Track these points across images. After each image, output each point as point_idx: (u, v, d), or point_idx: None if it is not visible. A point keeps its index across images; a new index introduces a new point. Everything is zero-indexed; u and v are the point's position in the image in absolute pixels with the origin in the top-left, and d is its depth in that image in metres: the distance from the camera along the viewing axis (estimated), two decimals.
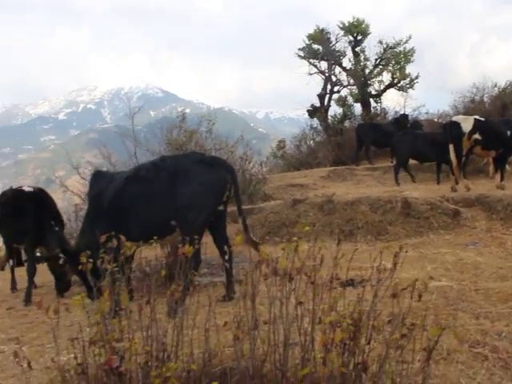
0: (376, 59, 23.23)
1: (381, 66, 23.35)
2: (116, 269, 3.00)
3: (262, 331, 2.82)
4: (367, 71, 23.39)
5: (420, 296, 2.52)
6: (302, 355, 2.61)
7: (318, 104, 23.02)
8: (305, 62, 23.75)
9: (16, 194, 7.00)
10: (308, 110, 22.93)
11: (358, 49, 23.88)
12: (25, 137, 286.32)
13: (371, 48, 23.19)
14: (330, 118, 22.71)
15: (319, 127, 22.43)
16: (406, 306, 2.62)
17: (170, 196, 5.27)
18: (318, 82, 23.54)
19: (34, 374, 3.64)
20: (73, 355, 3.17)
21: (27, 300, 6.31)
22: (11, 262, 7.38)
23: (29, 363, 2.85)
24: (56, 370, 3.25)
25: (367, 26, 23.34)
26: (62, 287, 6.50)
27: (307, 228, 3.68)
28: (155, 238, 4.18)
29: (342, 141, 19.94)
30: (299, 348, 2.74)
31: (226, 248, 5.26)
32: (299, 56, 23.78)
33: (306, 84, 23.64)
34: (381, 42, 22.92)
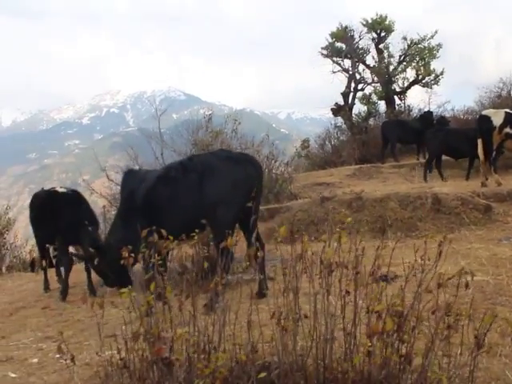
0: (400, 56, 22.99)
1: (405, 63, 23.08)
2: (160, 262, 3.00)
3: (304, 325, 2.81)
4: (391, 68, 23.18)
5: (467, 285, 2.48)
6: (345, 347, 2.59)
7: (341, 102, 22.91)
8: (328, 61, 23.65)
9: (49, 195, 7.16)
10: (332, 109, 22.81)
11: (381, 46, 23.69)
12: (50, 142, 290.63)
13: (395, 45, 22.97)
14: (354, 116, 22.56)
15: (343, 126, 22.32)
16: (447, 299, 2.59)
17: (198, 194, 5.31)
18: (341, 81, 23.41)
19: (74, 370, 3.68)
20: (110, 352, 3.18)
21: (63, 296, 6.56)
22: (43, 262, 7.47)
23: (72, 358, 2.86)
24: (97, 365, 3.30)
25: (391, 22, 23.11)
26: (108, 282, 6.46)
27: (349, 219, 3.68)
28: (184, 235, 4.22)
29: (367, 139, 19.79)
30: (341, 341, 2.72)
31: (257, 245, 5.25)
32: (322, 54, 23.68)
33: (329, 83, 23.53)
34: (405, 38, 22.63)
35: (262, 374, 2.41)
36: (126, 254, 3.03)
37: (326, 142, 21.76)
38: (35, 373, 3.79)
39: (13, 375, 3.80)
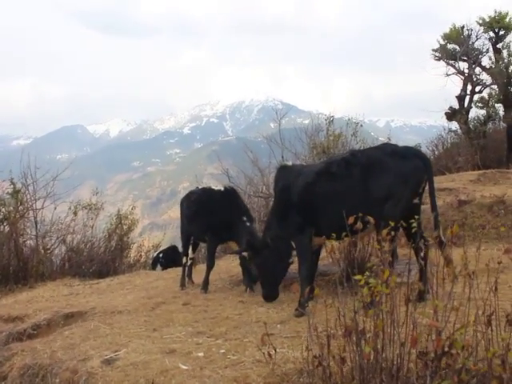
0: None
1: None
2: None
3: None
4: (511, 68, 21.73)
5: None
6: None
7: (456, 106, 21.82)
8: (439, 64, 22.63)
9: (205, 192, 7.47)
10: (446, 113, 21.74)
11: (499, 45, 22.33)
12: (153, 151, 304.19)
13: None
14: (470, 120, 21.38)
15: (458, 130, 21.24)
16: None
17: (363, 191, 5.10)
18: (450, 84, 22.30)
19: (248, 367, 3.56)
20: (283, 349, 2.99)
21: (205, 288, 6.83)
22: (184, 259, 7.66)
23: (274, 350, 2.70)
24: (271, 363, 3.13)
25: (511, 18, 21.67)
26: (253, 281, 6.57)
27: (503, 229, 3.31)
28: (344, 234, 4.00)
29: (486, 143, 18.70)
30: None
31: (421, 244, 4.91)
32: (436, 57, 22.72)
33: (443, 86, 22.50)
34: None
35: None
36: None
37: (439, 148, 20.83)
38: (206, 366, 3.71)
39: (184, 367, 3.75)
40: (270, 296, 5.85)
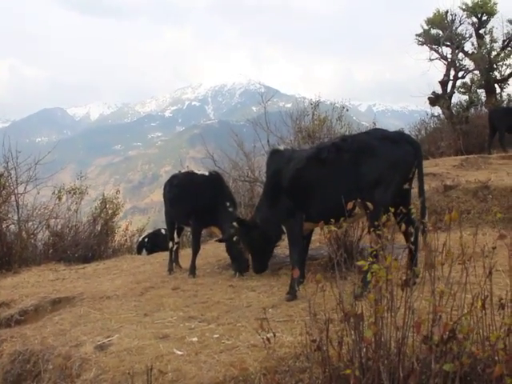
0: (504, 41, 21.64)
1: (509, 48, 21.71)
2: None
3: None
4: (493, 54, 21.88)
5: None
6: None
7: (439, 91, 21.93)
8: (422, 49, 22.69)
9: (187, 176, 7.38)
10: (429, 98, 21.84)
11: (482, 31, 22.43)
12: (134, 134, 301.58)
13: (498, 28, 21.64)
14: (453, 105, 21.53)
15: (441, 115, 21.38)
16: None
17: (354, 177, 5.09)
18: (433, 70, 22.42)
19: (243, 351, 3.58)
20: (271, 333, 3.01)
21: (192, 273, 6.80)
22: (170, 243, 7.62)
23: (273, 335, 2.71)
24: (267, 348, 3.14)
25: (494, 4, 21.76)
26: (242, 267, 6.55)
27: (499, 215, 3.37)
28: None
29: (468, 129, 18.85)
30: None
31: (411, 229, 4.95)
32: (419, 42, 22.76)
33: (425, 71, 22.62)
34: (510, 22, 21.29)
35: None
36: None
37: (422, 133, 20.95)
38: (201, 351, 3.72)
39: (179, 352, 3.76)
40: (259, 269, 6.13)
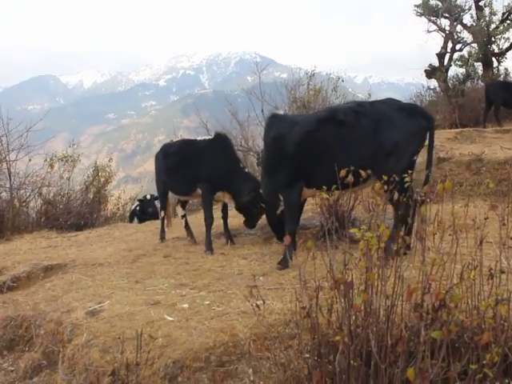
0: (503, 13, 21.39)
1: (509, 21, 21.47)
2: None
3: None
4: (492, 27, 21.66)
5: None
6: None
7: (436, 64, 21.76)
8: (420, 20, 22.43)
9: (188, 142, 7.07)
10: (426, 71, 21.67)
11: (481, 3, 22.16)
12: (128, 103, 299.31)
13: (498, 1, 21.43)
14: (450, 78, 21.39)
15: (437, 88, 21.28)
16: None
17: (370, 143, 4.98)
18: (431, 42, 22.24)
19: (233, 318, 3.60)
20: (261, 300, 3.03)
21: (209, 249, 6.22)
22: (162, 213, 7.51)
23: (263, 302, 2.72)
24: (257, 314, 3.16)
25: None
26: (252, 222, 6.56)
27: (491, 185, 3.38)
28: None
29: (464, 102, 18.78)
30: None
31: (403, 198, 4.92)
32: (417, 13, 22.49)
33: (423, 43, 22.45)
34: None
35: None
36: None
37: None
38: (192, 318, 3.75)
39: (170, 318, 3.78)
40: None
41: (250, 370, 3.13)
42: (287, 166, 5.28)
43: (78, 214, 10.82)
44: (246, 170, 6.64)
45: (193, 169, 6.58)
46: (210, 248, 6.24)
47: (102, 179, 12.29)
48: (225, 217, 6.76)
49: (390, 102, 5.41)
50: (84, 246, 7.89)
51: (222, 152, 6.53)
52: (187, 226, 7.21)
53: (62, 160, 11.67)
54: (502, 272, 2.74)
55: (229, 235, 6.69)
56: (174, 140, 7.65)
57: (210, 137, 6.90)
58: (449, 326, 2.09)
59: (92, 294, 4.79)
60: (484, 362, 2.16)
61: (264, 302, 2.81)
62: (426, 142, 5.13)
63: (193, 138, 7.26)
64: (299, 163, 5.23)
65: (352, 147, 5.04)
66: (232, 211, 6.95)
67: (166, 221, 7.54)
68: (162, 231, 7.42)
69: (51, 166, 11.33)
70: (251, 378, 3.10)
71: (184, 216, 7.35)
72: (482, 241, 2.74)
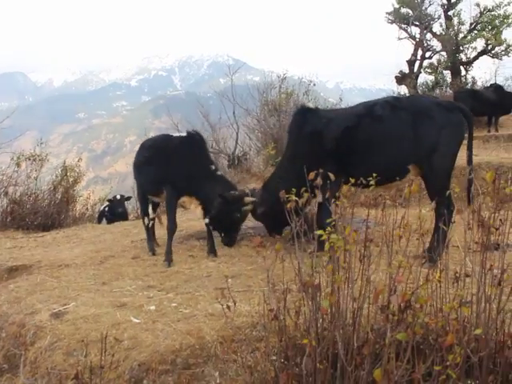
0: (471, 24, 21.89)
1: (476, 31, 21.98)
2: None
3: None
4: (460, 36, 22.15)
5: None
6: None
7: (406, 70, 22.15)
8: (391, 27, 22.86)
9: (162, 139, 6.49)
10: (396, 77, 22.11)
11: (451, 12, 22.65)
12: (98, 102, 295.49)
13: (466, 11, 21.96)
14: (419, 85, 21.81)
15: (407, 94, 21.63)
16: None
17: (410, 137, 4.91)
18: (401, 48, 22.70)
19: (200, 320, 3.57)
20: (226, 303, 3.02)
21: (168, 259, 5.63)
22: (146, 219, 6.67)
23: (233, 304, 2.70)
24: (224, 317, 3.15)
25: None
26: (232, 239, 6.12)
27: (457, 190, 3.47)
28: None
29: None
30: None
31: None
32: (388, 20, 22.87)
33: (394, 50, 22.83)
34: (478, 5, 21.54)
35: None
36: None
37: None
38: (158, 320, 3.70)
39: (136, 320, 3.72)
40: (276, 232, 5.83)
41: (217, 373, 3.11)
42: (328, 162, 4.96)
43: (46, 214, 10.61)
44: (219, 173, 6.08)
45: (160, 167, 6.04)
46: (169, 259, 5.63)
47: (71, 179, 12.05)
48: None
49: (425, 97, 5.35)
50: (51, 246, 7.74)
51: (191, 152, 5.96)
52: (151, 230, 6.64)
53: (29, 159, 11.41)
54: (467, 275, 2.79)
55: (212, 245, 5.97)
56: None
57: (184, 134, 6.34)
58: (414, 327, 2.12)
59: (57, 295, 4.69)
60: (447, 363, 2.19)
61: (235, 304, 2.80)
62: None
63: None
64: (340, 159, 5.08)
65: (393, 143, 4.98)
66: None
67: (152, 226, 6.72)
68: (150, 242, 6.47)
69: (18, 164, 11.07)
70: (218, 381, 3.07)
71: (153, 219, 6.69)
72: (448, 245, 2.78)
